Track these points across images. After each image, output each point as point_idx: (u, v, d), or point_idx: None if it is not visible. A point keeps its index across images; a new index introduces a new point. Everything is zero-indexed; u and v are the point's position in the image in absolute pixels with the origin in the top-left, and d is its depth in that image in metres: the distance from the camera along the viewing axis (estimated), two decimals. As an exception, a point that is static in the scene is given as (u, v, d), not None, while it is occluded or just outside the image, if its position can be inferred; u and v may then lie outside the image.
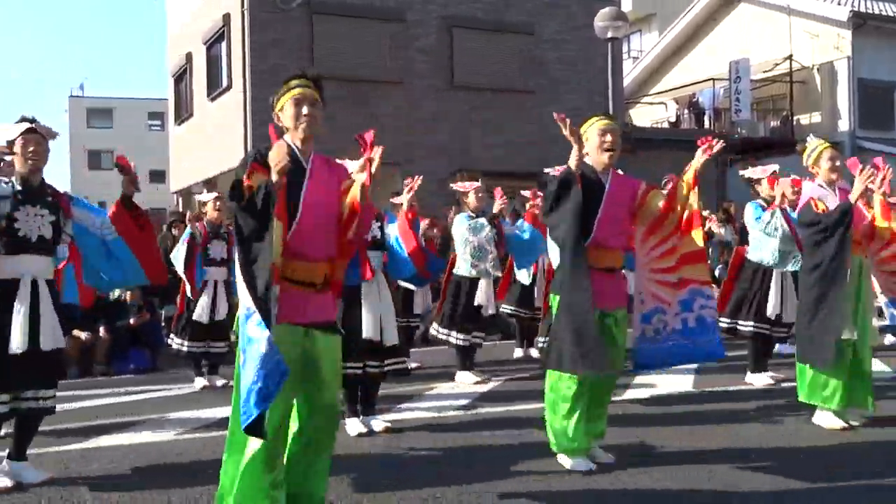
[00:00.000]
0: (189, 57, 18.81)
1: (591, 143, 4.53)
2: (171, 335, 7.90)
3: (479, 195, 7.57)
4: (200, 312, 7.41)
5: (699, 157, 4.50)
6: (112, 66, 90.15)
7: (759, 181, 6.83)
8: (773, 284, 7.01)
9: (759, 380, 7.02)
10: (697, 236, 4.54)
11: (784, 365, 7.36)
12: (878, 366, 6.91)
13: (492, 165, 16.08)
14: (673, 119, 22.63)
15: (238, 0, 15.22)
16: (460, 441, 5.23)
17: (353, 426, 5.49)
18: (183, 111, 19.74)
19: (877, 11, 20.30)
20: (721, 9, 22.41)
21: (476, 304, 7.47)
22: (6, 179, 4.45)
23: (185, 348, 7.61)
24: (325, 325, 3.55)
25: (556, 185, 4.35)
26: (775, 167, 6.85)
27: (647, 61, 24.44)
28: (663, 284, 4.60)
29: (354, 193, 3.56)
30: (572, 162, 4.36)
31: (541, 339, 7.25)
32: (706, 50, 22.62)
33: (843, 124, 19.85)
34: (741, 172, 6.82)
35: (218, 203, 7.66)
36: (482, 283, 7.49)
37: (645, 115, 23.64)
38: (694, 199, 4.46)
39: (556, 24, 17.19)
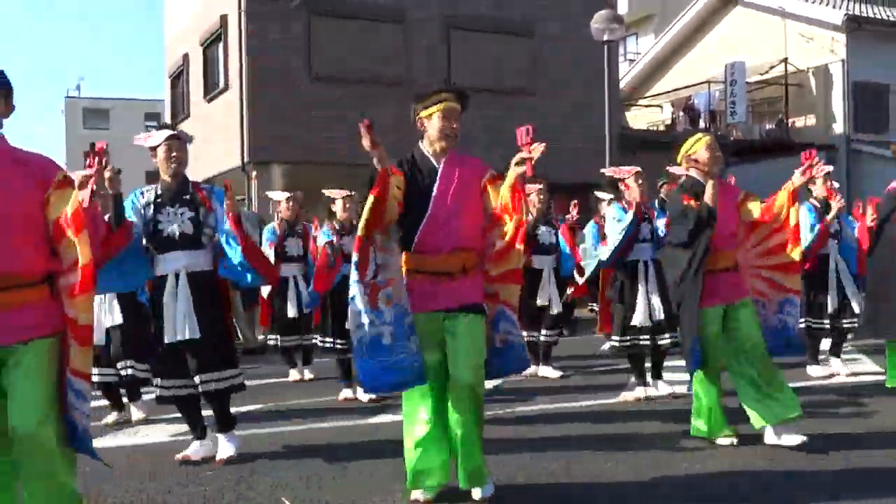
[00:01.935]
0: (186, 58, 18.81)
1: (702, 157, 4.93)
2: (265, 333, 8.40)
3: (542, 198, 7.72)
4: (292, 308, 7.80)
5: (797, 178, 4.94)
6: (108, 66, 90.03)
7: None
8: (829, 280, 7.47)
9: (817, 371, 7.48)
10: (794, 253, 4.99)
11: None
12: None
13: (491, 166, 16.12)
14: (669, 121, 22.68)
15: (235, 1, 15.23)
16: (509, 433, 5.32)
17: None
18: (179, 112, 19.73)
19: (871, 15, 20.38)
20: (717, 12, 22.48)
21: (539, 304, 7.67)
22: (148, 188, 4.87)
23: (280, 343, 8.04)
24: (463, 307, 3.87)
25: (693, 222, 4.77)
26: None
27: (644, 64, 24.49)
28: (768, 282, 5.09)
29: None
30: (709, 199, 4.79)
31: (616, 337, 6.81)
32: (702, 53, 22.67)
33: (838, 127, 19.92)
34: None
35: (291, 202, 8.02)
36: (543, 283, 7.67)
37: (641, 118, 23.68)
38: (793, 217, 4.92)
39: (556, 25, 17.22)
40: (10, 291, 2.96)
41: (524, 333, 7.55)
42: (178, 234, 4.74)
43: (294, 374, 8.05)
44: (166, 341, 4.69)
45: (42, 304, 3.04)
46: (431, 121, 3.94)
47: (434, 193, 3.86)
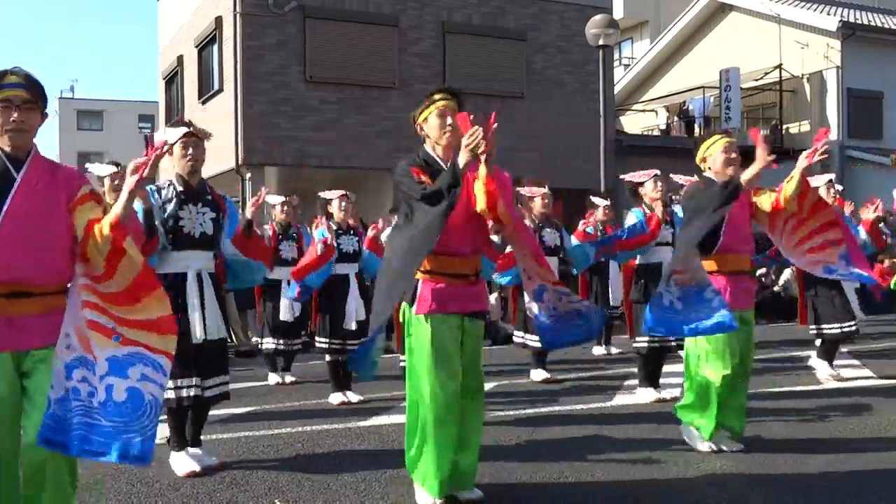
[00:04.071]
0: (180, 60, 18.78)
1: (717, 160, 4.89)
2: (258, 336, 8.21)
3: (546, 202, 7.70)
4: (286, 313, 7.72)
5: (802, 163, 4.79)
6: (102, 68, 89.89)
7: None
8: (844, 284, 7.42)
9: (824, 370, 7.49)
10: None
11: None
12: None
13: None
14: (663, 126, 22.73)
15: (230, 3, 15.22)
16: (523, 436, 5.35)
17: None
18: (174, 114, 19.70)
19: (866, 22, 20.46)
20: (712, 18, 22.54)
21: None
22: (161, 184, 4.73)
23: (271, 346, 7.92)
24: (476, 312, 4.00)
25: (726, 193, 4.69)
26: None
27: (639, 69, 24.55)
28: (815, 250, 4.97)
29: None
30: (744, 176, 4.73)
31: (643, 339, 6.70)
32: (697, 58, 22.74)
33: (832, 134, 19.98)
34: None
35: (286, 206, 8.00)
36: None
37: (636, 123, 23.74)
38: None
39: (550, 30, 17.25)
40: (46, 297, 3.10)
41: (537, 338, 7.53)
42: (198, 233, 4.64)
43: (274, 378, 7.95)
44: (196, 340, 4.53)
45: (62, 312, 3.15)
46: (429, 122, 3.98)
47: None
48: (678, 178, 7.04)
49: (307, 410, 6.55)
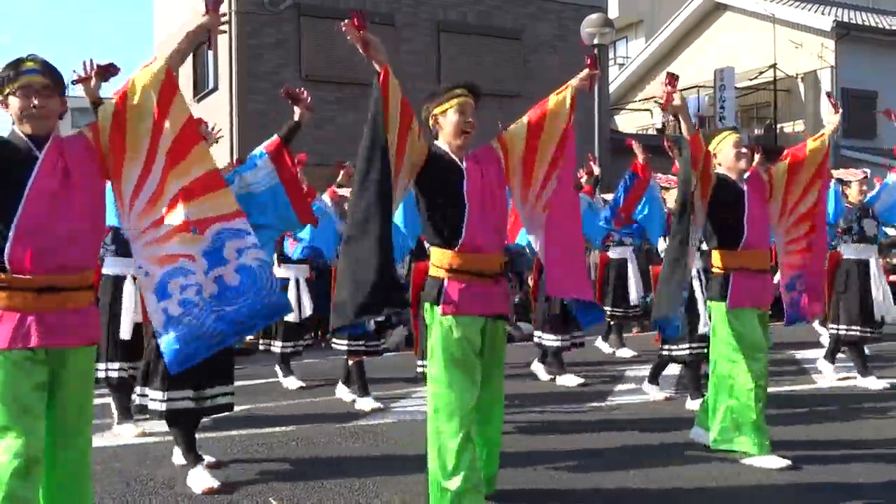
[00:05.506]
0: (176, 58, 18.74)
1: (728, 155, 4.82)
2: (261, 339, 7.87)
3: None
4: (295, 314, 7.44)
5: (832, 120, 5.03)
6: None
7: (848, 184, 7.12)
8: (872, 285, 7.19)
9: (874, 383, 7.11)
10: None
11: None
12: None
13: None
14: (658, 125, 22.73)
15: (226, 1, 15.20)
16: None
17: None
18: (169, 112, 19.63)
19: (860, 21, 20.52)
20: (707, 17, 22.57)
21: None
22: None
23: (278, 349, 7.61)
24: (499, 315, 3.86)
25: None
26: (867, 171, 7.02)
27: (633, 68, 24.57)
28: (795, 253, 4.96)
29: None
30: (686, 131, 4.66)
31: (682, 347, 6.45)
32: (691, 58, 22.76)
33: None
34: (836, 175, 7.10)
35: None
36: None
37: (630, 122, 23.74)
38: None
39: (545, 30, 17.26)
40: (70, 293, 3.02)
41: (554, 337, 7.38)
42: None
43: (294, 383, 7.54)
44: None
45: (86, 311, 3.12)
46: (447, 117, 3.84)
47: (466, 190, 3.73)
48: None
49: (302, 409, 6.54)
